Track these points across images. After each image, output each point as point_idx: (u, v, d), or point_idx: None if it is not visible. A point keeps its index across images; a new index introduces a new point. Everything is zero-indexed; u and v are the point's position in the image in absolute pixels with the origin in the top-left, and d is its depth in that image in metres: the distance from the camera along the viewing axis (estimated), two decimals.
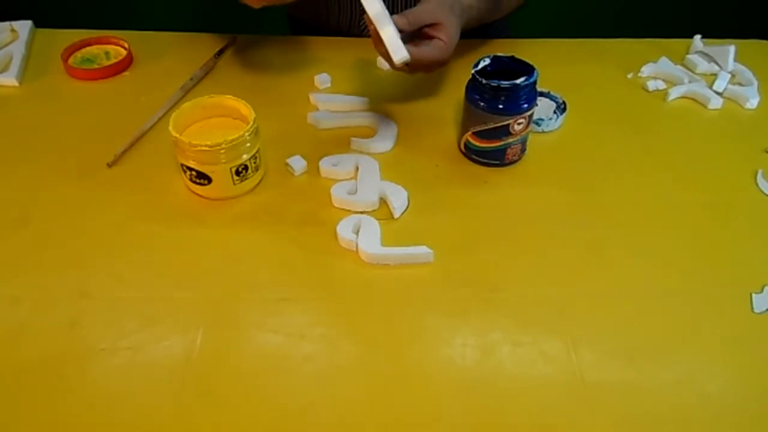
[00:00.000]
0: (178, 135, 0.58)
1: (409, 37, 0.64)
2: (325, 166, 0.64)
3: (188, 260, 0.56)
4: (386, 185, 0.62)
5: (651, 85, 0.77)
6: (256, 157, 0.61)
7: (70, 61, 0.79)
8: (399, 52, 0.59)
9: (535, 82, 0.61)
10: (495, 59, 0.64)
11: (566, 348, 0.50)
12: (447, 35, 0.64)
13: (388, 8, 0.60)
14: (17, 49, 0.80)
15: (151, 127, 0.70)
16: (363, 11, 0.60)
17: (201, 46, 0.82)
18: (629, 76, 0.79)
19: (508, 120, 0.61)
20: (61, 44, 0.79)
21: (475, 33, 0.94)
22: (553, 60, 0.76)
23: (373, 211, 0.61)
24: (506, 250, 0.58)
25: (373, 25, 0.59)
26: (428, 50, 0.64)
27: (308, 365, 0.49)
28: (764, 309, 0.53)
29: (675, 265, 0.57)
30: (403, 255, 0.56)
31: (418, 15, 0.63)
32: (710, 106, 0.75)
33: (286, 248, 0.57)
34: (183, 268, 0.56)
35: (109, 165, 0.65)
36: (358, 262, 0.56)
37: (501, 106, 0.61)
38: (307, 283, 0.55)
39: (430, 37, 0.65)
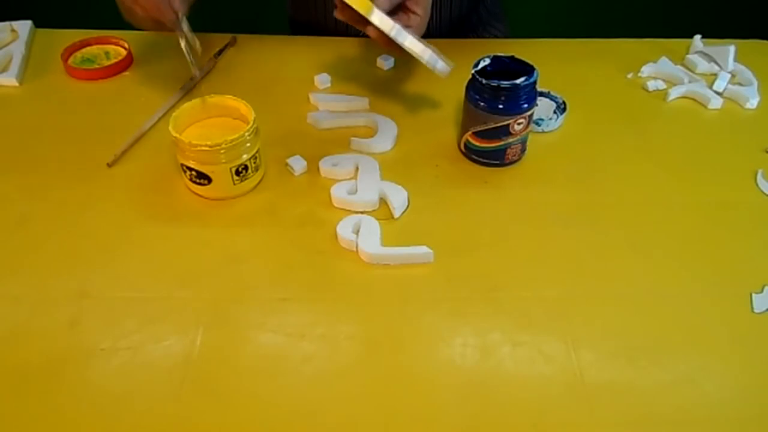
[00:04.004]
0: (178, 135, 0.58)
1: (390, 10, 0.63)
2: (325, 166, 0.64)
3: (188, 260, 0.56)
4: (386, 185, 0.62)
5: (651, 85, 0.77)
6: (256, 157, 0.61)
7: (70, 61, 0.79)
8: (438, 63, 0.60)
9: (535, 82, 0.61)
10: (495, 59, 0.64)
11: (566, 348, 0.50)
12: (422, 8, 0.63)
13: None
14: (17, 49, 0.80)
15: (151, 127, 0.70)
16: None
17: (201, 46, 0.82)
18: (629, 76, 0.79)
19: (508, 120, 0.61)
20: (61, 44, 0.79)
21: (475, 33, 0.94)
22: (553, 60, 0.76)
23: (373, 211, 0.61)
24: (506, 250, 0.58)
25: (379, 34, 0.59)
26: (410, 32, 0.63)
27: (308, 365, 0.49)
28: (764, 309, 0.53)
29: (675, 264, 0.57)
30: (403, 255, 0.56)
31: None
32: (710, 106, 0.75)
33: (286, 248, 0.57)
34: (183, 268, 0.56)
35: (109, 165, 0.65)
36: (358, 262, 0.56)
37: (501, 106, 0.61)
38: (307, 283, 0.55)
39: (407, 9, 0.64)
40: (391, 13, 0.62)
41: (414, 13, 0.64)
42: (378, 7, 0.60)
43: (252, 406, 0.47)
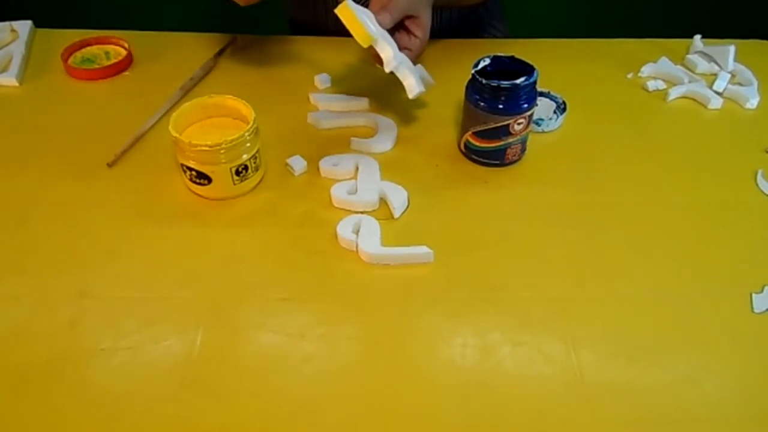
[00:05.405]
0: (178, 135, 0.58)
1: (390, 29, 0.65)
2: (325, 166, 0.64)
3: (188, 260, 0.56)
4: (386, 185, 0.62)
5: (651, 85, 0.77)
6: (256, 157, 0.61)
7: (70, 61, 0.79)
8: (412, 90, 0.64)
9: (535, 82, 0.61)
10: (495, 59, 0.64)
11: (566, 348, 0.50)
12: (422, 30, 0.66)
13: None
14: (17, 49, 0.80)
15: (151, 127, 0.70)
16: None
17: (201, 46, 0.82)
18: (629, 76, 0.79)
19: (508, 120, 0.61)
20: (61, 44, 0.79)
21: (474, 33, 0.94)
22: (553, 60, 0.76)
23: (373, 211, 0.61)
24: (506, 250, 0.58)
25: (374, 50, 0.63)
26: (408, 54, 0.65)
27: (308, 365, 0.49)
28: (764, 309, 0.53)
29: (675, 264, 0.57)
30: (403, 255, 0.56)
31: (399, 6, 0.63)
32: (710, 106, 0.75)
33: (286, 248, 0.57)
34: (183, 268, 0.56)
35: (109, 165, 0.65)
36: (358, 262, 0.56)
37: (501, 106, 0.61)
38: (307, 283, 0.55)
39: (408, 30, 0.66)
40: (392, 30, 0.64)
41: (414, 35, 0.65)
42: (381, 25, 0.62)
43: (252, 406, 0.47)
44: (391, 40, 0.63)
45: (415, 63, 0.66)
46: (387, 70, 0.63)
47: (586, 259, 0.57)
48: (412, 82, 0.63)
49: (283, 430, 0.46)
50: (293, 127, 0.71)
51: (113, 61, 0.78)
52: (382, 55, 0.62)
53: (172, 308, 0.52)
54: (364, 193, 0.61)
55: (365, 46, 0.61)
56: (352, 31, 0.60)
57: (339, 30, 0.89)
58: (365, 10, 0.62)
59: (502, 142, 0.63)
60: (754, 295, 0.54)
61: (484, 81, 0.60)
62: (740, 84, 0.77)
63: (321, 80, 0.76)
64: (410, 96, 0.64)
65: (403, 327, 0.52)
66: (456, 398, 0.47)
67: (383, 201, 0.62)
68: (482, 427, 0.46)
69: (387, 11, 0.62)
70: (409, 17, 0.65)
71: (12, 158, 0.66)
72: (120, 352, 0.49)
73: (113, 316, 0.52)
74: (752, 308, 0.53)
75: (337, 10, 0.60)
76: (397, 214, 0.60)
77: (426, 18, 0.66)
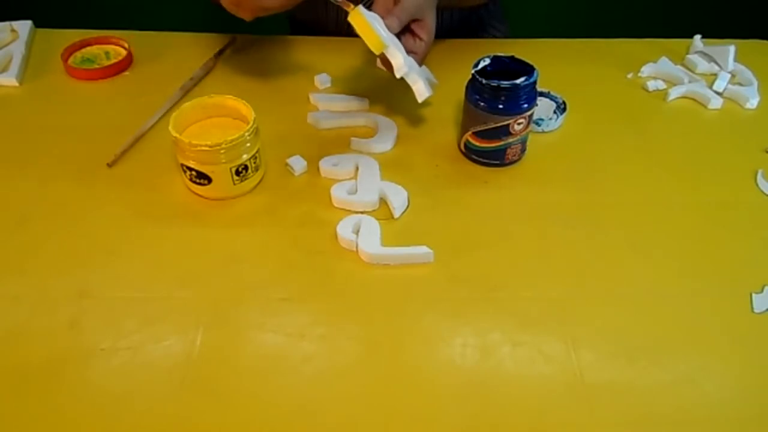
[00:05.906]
0: (178, 135, 0.58)
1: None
2: (325, 166, 0.64)
3: (188, 260, 0.56)
4: (386, 185, 0.62)
5: (651, 85, 0.77)
6: (256, 157, 0.61)
7: (70, 61, 0.79)
8: (422, 95, 0.64)
9: (535, 82, 0.61)
10: (495, 59, 0.64)
11: (566, 348, 0.50)
12: (427, 32, 0.66)
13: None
14: (17, 49, 0.80)
15: (151, 127, 0.70)
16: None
17: (201, 46, 0.82)
18: (629, 76, 0.79)
19: (508, 120, 0.61)
20: (61, 44, 0.79)
21: (474, 33, 0.94)
22: (553, 60, 0.76)
23: (373, 211, 0.61)
24: (506, 250, 0.58)
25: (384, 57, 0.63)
26: (413, 57, 0.65)
27: (308, 365, 0.49)
28: (764, 309, 0.53)
29: (675, 264, 0.57)
30: (403, 255, 0.56)
31: (406, 9, 0.63)
32: (710, 106, 0.75)
33: (286, 248, 0.57)
34: (183, 268, 0.56)
35: (109, 165, 0.65)
36: (358, 262, 0.56)
37: (501, 106, 0.61)
38: (307, 283, 0.55)
39: (413, 33, 0.66)
40: (398, 34, 0.63)
41: (420, 38, 0.65)
42: (389, 29, 0.61)
43: (252, 406, 0.47)
44: (400, 45, 0.62)
45: (419, 65, 0.66)
46: (398, 75, 0.62)
47: (586, 259, 0.57)
48: (421, 87, 0.63)
49: (283, 430, 0.46)
50: (293, 127, 0.71)
51: (113, 61, 0.78)
52: (393, 62, 0.62)
53: (172, 308, 0.52)
54: (364, 193, 0.61)
55: (377, 53, 0.61)
56: (364, 38, 0.60)
57: (339, 29, 0.89)
58: (374, 14, 0.61)
59: (502, 142, 0.63)
60: (754, 295, 0.54)
61: (484, 81, 0.60)
62: (740, 84, 0.77)
63: (321, 80, 0.76)
64: (419, 100, 0.64)
65: (403, 327, 0.52)
66: (456, 398, 0.47)
67: (383, 201, 0.62)
68: (482, 427, 0.46)
69: (395, 15, 0.62)
70: (414, 20, 0.65)
71: (12, 158, 0.66)
72: (120, 352, 0.49)
73: (113, 316, 0.52)
74: (752, 308, 0.53)
75: (349, 18, 0.60)
76: (397, 214, 0.60)
77: (431, 21, 0.66)
